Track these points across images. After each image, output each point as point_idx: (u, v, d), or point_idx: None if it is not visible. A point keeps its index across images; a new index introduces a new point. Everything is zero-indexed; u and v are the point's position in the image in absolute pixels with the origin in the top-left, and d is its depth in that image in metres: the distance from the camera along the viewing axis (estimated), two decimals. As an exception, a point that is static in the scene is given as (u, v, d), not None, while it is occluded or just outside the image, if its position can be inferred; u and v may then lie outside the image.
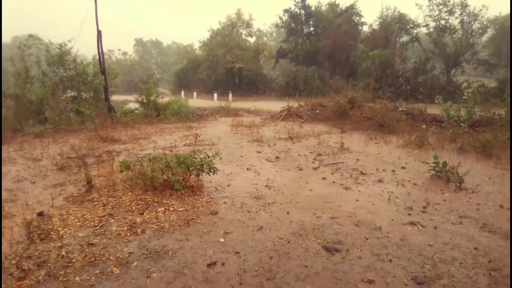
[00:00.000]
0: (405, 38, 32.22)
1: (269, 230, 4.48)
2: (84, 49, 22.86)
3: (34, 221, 4.38)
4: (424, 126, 12.51)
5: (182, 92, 39.97)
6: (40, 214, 4.83)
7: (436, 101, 13.93)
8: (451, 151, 9.20)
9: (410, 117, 13.63)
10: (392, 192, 6.14)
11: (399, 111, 14.15)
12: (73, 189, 6.15)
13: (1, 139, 7.75)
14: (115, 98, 23.10)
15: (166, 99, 21.52)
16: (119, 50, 68.29)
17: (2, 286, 3.21)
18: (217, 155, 6.36)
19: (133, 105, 20.56)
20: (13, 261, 3.58)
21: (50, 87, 16.88)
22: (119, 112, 17.33)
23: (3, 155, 8.92)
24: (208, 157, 6.05)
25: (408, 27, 31.55)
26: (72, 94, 18.17)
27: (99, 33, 16.09)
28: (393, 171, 7.56)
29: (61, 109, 16.02)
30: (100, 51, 16.44)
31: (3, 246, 3.93)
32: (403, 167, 7.86)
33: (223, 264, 3.63)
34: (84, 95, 18.59)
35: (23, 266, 3.49)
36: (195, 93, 39.14)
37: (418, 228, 4.58)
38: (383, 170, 7.62)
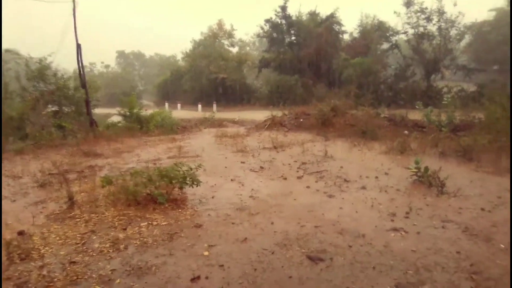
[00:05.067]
0: (385, 46, 32.83)
1: (253, 242, 4.47)
2: (66, 63, 22.60)
3: (14, 241, 4.28)
4: (406, 132, 12.68)
5: (166, 104, 39.80)
6: (21, 233, 4.72)
7: (417, 106, 14.19)
8: (433, 156, 9.36)
9: (392, 123, 13.84)
10: (375, 198, 6.19)
11: (381, 118, 14.36)
12: (55, 206, 6.03)
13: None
14: (97, 111, 22.84)
15: (149, 111, 21.37)
16: (102, 63, 67.60)
17: None
18: (200, 167, 6.33)
19: (116, 118, 20.38)
20: (-9, 283, 3.49)
21: (30, 102, 16.60)
22: (101, 126, 17.16)
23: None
24: (191, 169, 6.03)
25: (387, 34, 32.20)
26: (53, 108, 17.90)
27: (78, 46, 15.97)
28: (376, 177, 7.63)
29: (42, 125, 15.74)
30: (80, 65, 16.31)
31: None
32: (386, 173, 7.95)
33: (207, 278, 3.61)
34: (66, 110, 18.31)
35: (1, 288, 3.41)
36: (179, 105, 38.97)
37: (401, 234, 4.62)
38: (367, 177, 7.69)
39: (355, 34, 34.83)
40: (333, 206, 5.90)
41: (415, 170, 7.11)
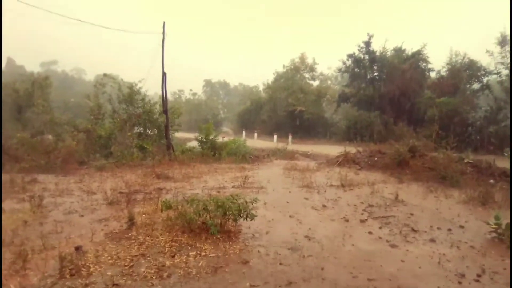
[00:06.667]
0: (475, 86, 30.71)
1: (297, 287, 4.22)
2: (156, 89, 24.25)
3: (69, 256, 4.50)
4: (491, 180, 11.51)
5: (244, 132, 40.88)
6: (77, 248, 4.98)
7: (506, 154, 12.89)
8: (520, 212, 8.31)
9: (476, 170, 12.64)
10: (444, 254, 5.58)
11: (464, 163, 13.21)
12: (116, 225, 6.31)
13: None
14: (179, 135, 24.08)
15: (226, 139, 22.03)
16: (190, 90, 72.38)
17: None
18: (255, 201, 6.23)
19: (194, 143, 21.26)
20: (39, 295, 3.67)
21: (119, 123, 18.05)
22: (178, 150, 17.99)
23: (65, 186, 9.52)
24: (246, 202, 5.97)
25: (478, 74, 30.06)
26: (138, 130, 19.27)
27: (164, 75, 17.18)
28: (449, 230, 6.92)
29: (126, 145, 16.95)
30: (164, 92, 17.45)
31: (36, 278, 4.07)
32: (461, 226, 7.19)
33: (239, 321, 3.45)
34: (149, 132, 19.65)
35: (46, 301, 3.56)
36: (255, 134, 39.84)
37: (466, 300, 4.08)
38: (438, 228, 7.01)
39: (443, 73, 33.02)
40: (394, 257, 5.41)
41: (495, 226, 6.35)
